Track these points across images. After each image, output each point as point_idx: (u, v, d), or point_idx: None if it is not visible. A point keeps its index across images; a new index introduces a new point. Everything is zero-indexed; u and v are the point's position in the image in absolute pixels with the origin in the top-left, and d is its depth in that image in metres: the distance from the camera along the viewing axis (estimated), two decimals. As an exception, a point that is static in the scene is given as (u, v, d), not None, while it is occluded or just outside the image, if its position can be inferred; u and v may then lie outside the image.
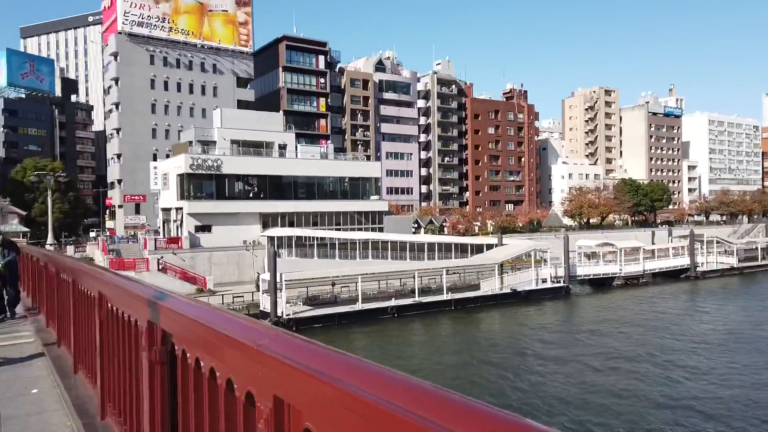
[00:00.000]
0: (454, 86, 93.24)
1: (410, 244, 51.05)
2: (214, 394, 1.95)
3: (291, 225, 53.90)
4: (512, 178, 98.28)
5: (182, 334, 2.20)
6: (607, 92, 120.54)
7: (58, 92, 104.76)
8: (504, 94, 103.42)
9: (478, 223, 69.80)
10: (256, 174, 53.99)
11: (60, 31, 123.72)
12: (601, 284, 51.30)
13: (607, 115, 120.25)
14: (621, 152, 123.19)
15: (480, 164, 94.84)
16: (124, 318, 3.17)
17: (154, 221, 68.94)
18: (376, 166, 62.66)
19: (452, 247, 52.04)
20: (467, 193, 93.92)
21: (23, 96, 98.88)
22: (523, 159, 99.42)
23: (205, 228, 50.77)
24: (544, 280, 45.99)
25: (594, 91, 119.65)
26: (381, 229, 57.13)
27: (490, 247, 51.21)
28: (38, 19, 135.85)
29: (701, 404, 21.23)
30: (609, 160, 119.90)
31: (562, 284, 46.73)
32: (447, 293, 41.21)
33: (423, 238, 54.18)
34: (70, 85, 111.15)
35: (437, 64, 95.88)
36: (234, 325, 1.72)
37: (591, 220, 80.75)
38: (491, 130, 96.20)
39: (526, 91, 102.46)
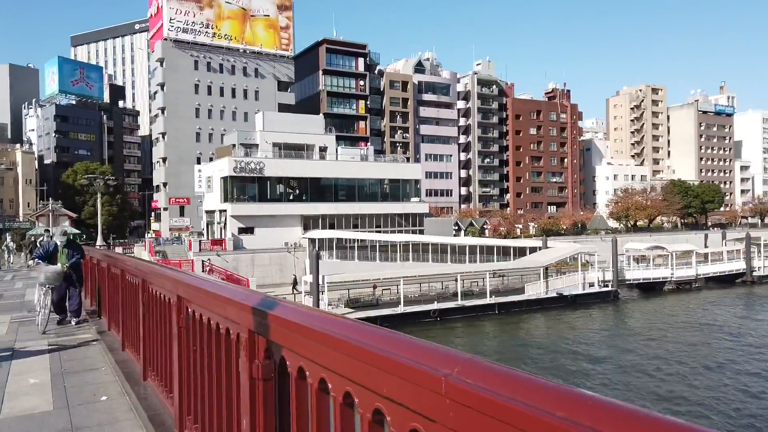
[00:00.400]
0: (494, 86, 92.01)
1: (451, 247, 50.42)
2: (347, 422, 1.62)
3: (331, 227, 54.00)
4: (555, 180, 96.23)
5: (299, 348, 1.87)
6: (654, 90, 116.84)
7: (106, 98, 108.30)
8: (546, 93, 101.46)
9: (520, 226, 68.48)
10: (297, 176, 54.36)
11: (108, 39, 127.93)
12: (651, 289, 49.52)
13: (654, 114, 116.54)
14: (669, 152, 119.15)
15: (521, 165, 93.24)
16: (210, 325, 2.88)
17: (197, 223, 70.19)
18: (417, 168, 62.24)
19: (494, 250, 51.09)
20: (508, 195, 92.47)
21: (74, 102, 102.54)
22: (566, 160, 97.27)
23: (248, 230, 51.34)
24: (591, 284, 44.68)
25: (640, 90, 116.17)
26: (421, 232, 56.67)
27: (533, 250, 50.12)
28: (88, 27, 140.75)
29: (762, 420, 20.02)
30: (656, 161, 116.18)
31: (610, 288, 45.30)
32: (490, 297, 40.44)
33: (464, 240, 53.46)
34: (117, 92, 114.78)
35: (477, 65, 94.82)
36: (398, 347, 1.34)
37: (638, 223, 78.26)
38: (533, 131, 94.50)
39: (568, 91, 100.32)
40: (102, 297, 8.11)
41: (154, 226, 77.91)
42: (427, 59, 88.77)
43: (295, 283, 43.92)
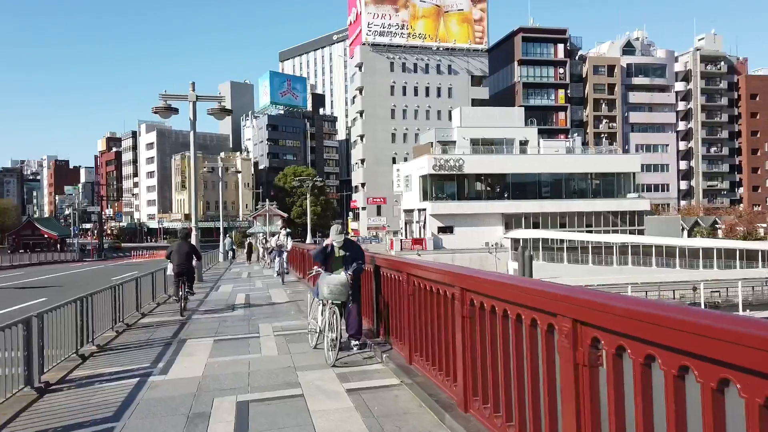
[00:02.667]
0: (722, 63, 78.97)
1: (680, 250, 43.33)
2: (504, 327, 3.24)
3: (535, 226, 50.23)
4: (806, 170, 79.57)
5: (492, 293, 3.44)
6: None
7: (309, 107, 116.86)
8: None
9: (765, 225, 57.11)
10: (497, 173, 51.53)
11: (310, 51, 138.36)
12: None
13: None
14: None
15: (759, 154, 78.61)
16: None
17: (393, 222, 71.22)
18: (634, 160, 55.16)
19: (736, 254, 42.85)
20: (741, 188, 78.65)
21: (282, 112, 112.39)
22: (821, 145, 79.83)
23: (447, 229, 49.97)
24: None
25: None
26: (641, 232, 49.98)
27: (791, 255, 40.92)
28: (293, 43, 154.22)
29: None
30: None
31: None
32: (744, 310, 33.35)
33: (699, 242, 45.76)
34: (318, 100, 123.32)
35: (700, 39, 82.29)
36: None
37: None
38: (775, 112, 79.21)
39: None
40: (389, 314, 6.23)
41: (353, 225, 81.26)
42: (637, 39, 79.36)
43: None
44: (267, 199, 74.29)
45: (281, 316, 10.25)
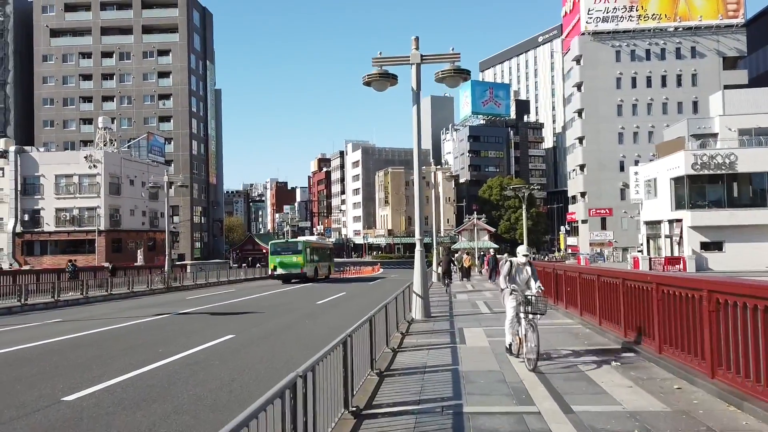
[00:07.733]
0: None
1: None
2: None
3: None
4: None
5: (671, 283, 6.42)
6: None
7: (512, 115, 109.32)
8: None
9: None
10: (786, 171, 38.55)
11: (512, 58, 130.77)
12: None
13: None
14: None
15: None
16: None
17: (621, 237, 60.60)
18: None
19: None
20: None
21: (483, 122, 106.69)
22: None
23: (714, 245, 38.61)
24: None
25: None
26: None
27: None
28: (493, 52, 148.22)
29: None
30: None
31: None
32: None
33: None
34: (522, 107, 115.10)
35: None
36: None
37: None
38: None
39: None
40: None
41: (570, 240, 71.43)
42: None
43: None
44: (474, 212, 68.73)
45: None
